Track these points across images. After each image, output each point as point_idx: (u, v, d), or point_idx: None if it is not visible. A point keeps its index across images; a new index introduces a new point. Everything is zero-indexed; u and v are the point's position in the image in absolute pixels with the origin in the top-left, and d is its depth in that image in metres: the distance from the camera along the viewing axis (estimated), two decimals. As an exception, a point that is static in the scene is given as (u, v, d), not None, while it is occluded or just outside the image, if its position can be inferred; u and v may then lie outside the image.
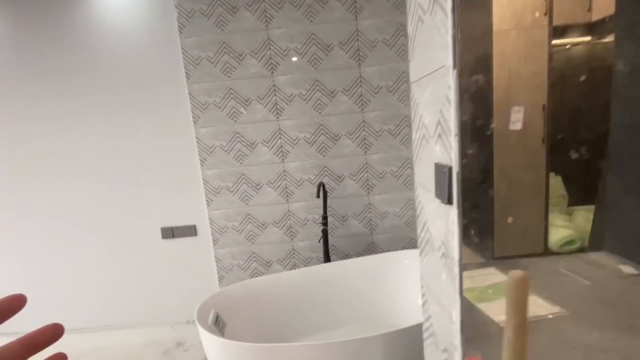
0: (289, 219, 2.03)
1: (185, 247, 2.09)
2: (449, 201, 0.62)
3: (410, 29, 0.78)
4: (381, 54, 1.85)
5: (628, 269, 0.72)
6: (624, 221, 0.69)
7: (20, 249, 2.11)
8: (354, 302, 1.72)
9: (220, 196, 2.00)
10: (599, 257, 0.76)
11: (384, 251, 2.04)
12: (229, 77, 1.87)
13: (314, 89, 1.89)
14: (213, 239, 2.05)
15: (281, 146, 1.95)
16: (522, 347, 0.46)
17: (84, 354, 1.94)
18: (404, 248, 2.05)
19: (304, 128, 1.93)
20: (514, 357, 0.46)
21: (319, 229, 2.03)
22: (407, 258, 1.74)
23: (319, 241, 1.84)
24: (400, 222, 2.03)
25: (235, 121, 1.92)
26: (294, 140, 1.94)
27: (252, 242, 2.05)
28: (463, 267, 0.62)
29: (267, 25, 1.83)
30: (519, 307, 0.45)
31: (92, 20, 1.85)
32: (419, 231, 0.86)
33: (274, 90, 1.89)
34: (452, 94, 0.57)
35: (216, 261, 2.07)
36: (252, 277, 2.09)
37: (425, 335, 0.90)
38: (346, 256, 2.06)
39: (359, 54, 1.85)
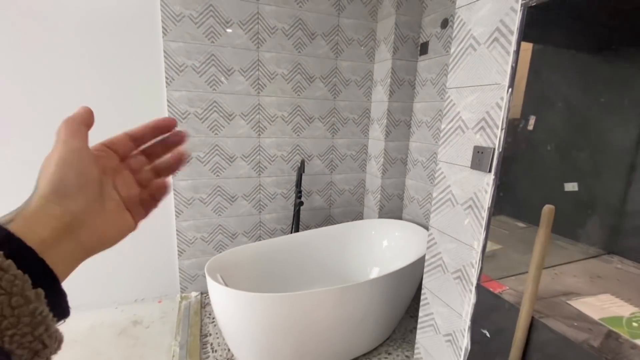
0: (259, 192, 2.12)
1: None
2: (489, 170, 0.97)
3: (454, 49, 1.10)
4: (354, 51, 2.13)
5: (521, 224, 1.25)
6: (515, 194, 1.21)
7: None
8: (325, 264, 1.99)
9: (190, 166, 1.91)
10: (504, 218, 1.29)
11: (338, 223, 2.37)
12: (212, 42, 1.80)
13: (295, 71, 2.02)
14: (176, 211, 1.94)
15: (259, 121, 2.01)
16: (544, 257, 0.85)
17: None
18: (353, 220, 2.43)
19: (282, 107, 2.04)
20: (540, 262, 0.85)
21: (286, 203, 2.19)
22: (370, 226, 2.12)
23: (296, 211, 2.01)
24: (352, 199, 2.40)
25: (214, 90, 1.87)
26: (272, 117, 2.03)
27: (220, 215, 2.05)
28: (490, 211, 0.99)
29: (257, 0, 1.84)
30: (547, 228, 0.84)
31: None
32: (436, 194, 1.21)
33: (258, 65, 1.93)
34: (504, 103, 0.92)
35: (177, 234, 1.97)
36: (216, 249, 2.09)
37: (429, 267, 1.27)
38: (307, 227, 2.30)
39: (337, 47, 2.08)
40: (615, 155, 1.17)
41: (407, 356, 1.65)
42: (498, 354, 1.00)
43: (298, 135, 2.12)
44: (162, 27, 1.70)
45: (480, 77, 1.00)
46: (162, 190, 0.36)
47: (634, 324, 0.84)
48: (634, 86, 1.08)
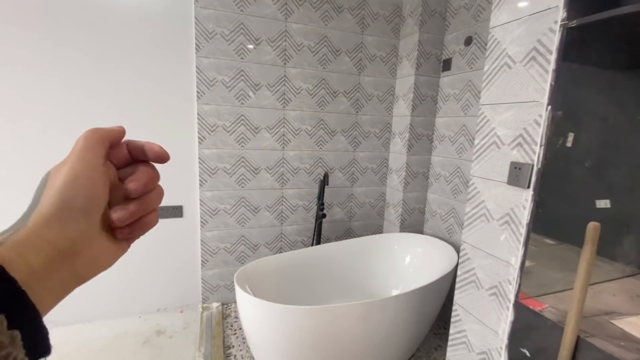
0: (282, 204, 2.14)
1: (168, 229, 1.94)
2: (528, 186, 0.98)
3: (487, 67, 1.12)
4: (377, 68, 2.18)
5: (549, 241, 1.24)
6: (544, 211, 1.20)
7: None
8: (347, 277, 1.99)
9: (216, 177, 1.95)
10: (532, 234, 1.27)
11: (358, 236, 2.37)
12: (242, 58, 1.87)
13: (319, 86, 2.07)
14: (201, 221, 1.97)
15: (284, 134, 2.05)
16: (589, 275, 0.84)
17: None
18: (373, 233, 2.42)
19: (306, 121, 2.08)
20: (586, 281, 0.84)
21: (307, 215, 2.21)
22: (393, 240, 2.11)
23: (318, 223, 2.03)
24: (373, 212, 2.41)
25: (242, 104, 1.92)
26: (296, 131, 2.07)
27: (243, 226, 2.07)
28: (529, 227, 0.99)
29: (286, 18, 1.91)
30: (592, 246, 0.83)
31: (85, -43, 1.56)
32: (469, 209, 1.21)
33: (284, 80, 1.98)
34: (542, 120, 0.94)
35: (202, 244, 2.00)
36: (238, 260, 2.10)
37: (461, 282, 1.26)
38: (327, 240, 2.30)
39: (360, 63, 2.13)
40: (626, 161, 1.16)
41: (433, 374, 1.62)
42: (539, 374, 0.98)
43: (320, 148, 2.15)
44: (196, 43, 1.77)
45: (517, 94, 1.02)
46: (152, 223, 0.31)
47: (686, 347, 0.82)
48: (670, 104, 1.08)
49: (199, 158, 1.90)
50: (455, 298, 1.30)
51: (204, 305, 2.08)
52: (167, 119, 1.82)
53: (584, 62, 0.98)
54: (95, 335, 1.76)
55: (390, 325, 1.47)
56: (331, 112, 2.13)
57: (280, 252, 2.21)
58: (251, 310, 1.38)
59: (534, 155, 0.97)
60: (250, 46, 1.87)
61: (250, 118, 1.95)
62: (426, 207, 2.27)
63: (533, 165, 0.97)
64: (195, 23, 1.75)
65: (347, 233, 2.36)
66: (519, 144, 1.01)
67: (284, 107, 2.01)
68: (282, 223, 2.17)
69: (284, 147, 2.06)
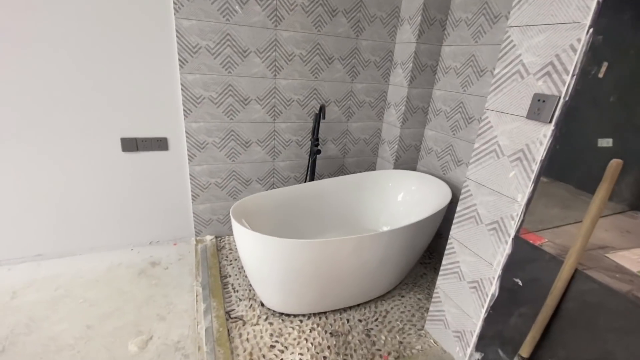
0: (274, 139, 2.03)
1: (152, 162, 1.82)
2: (550, 120, 0.91)
3: (523, -20, 0.96)
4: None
5: (543, 178, 1.23)
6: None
7: None
8: (342, 212, 2.00)
9: (201, 107, 1.78)
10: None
11: (351, 173, 2.34)
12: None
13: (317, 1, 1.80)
14: (189, 155, 1.86)
15: (275, 59, 1.84)
16: (601, 211, 0.83)
17: (34, 282, 1.59)
18: (366, 170, 2.40)
19: (300, 44, 1.86)
20: (596, 217, 0.83)
21: (300, 151, 2.13)
22: (387, 177, 2.09)
23: (312, 159, 1.96)
24: (367, 149, 2.34)
25: (228, 21, 1.67)
26: (289, 55, 1.86)
27: (233, 161, 1.98)
28: (543, 164, 0.96)
29: None
30: (610, 184, 0.81)
31: None
32: (478, 144, 1.16)
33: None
34: (580, 46, 0.83)
35: (191, 179, 1.91)
36: (230, 195, 2.05)
37: (460, 218, 1.27)
38: (320, 176, 2.26)
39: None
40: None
41: (418, 299, 1.75)
42: (528, 302, 1.04)
43: (316, 77, 1.97)
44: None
45: (555, 14, 0.89)
46: None
47: (674, 277, 0.86)
48: None
49: (182, 84, 1.70)
50: (452, 232, 1.32)
51: (197, 238, 2.08)
52: (148, 91, 1.58)
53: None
54: (88, 267, 1.76)
55: (383, 257, 1.52)
56: (329, 34, 1.90)
57: (273, 187, 2.16)
58: (249, 243, 1.37)
59: (562, 87, 0.88)
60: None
61: (237, 38, 1.71)
62: (422, 144, 2.22)
63: (560, 98, 0.89)
64: None
65: (340, 170, 2.32)
66: (547, 73, 0.92)
67: (276, 26, 1.77)
68: (274, 159, 2.08)
69: (275, 75, 1.87)
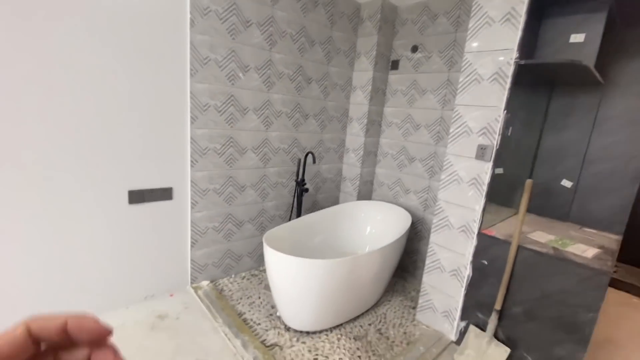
0: (264, 182, 2.29)
1: (156, 212, 1.84)
2: (490, 160, 1.56)
3: (462, 79, 1.64)
4: (340, 60, 2.51)
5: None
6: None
7: None
8: (333, 237, 2.35)
9: (206, 157, 1.95)
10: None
11: (322, 207, 2.73)
12: (233, 39, 1.89)
13: (298, 72, 2.26)
14: (192, 202, 1.95)
15: (267, 116, 2.18)
16: (525, 210, 1.48)
17: None
18: (332, 204, 2.83)
19: (286, 104, 2.26)
20: (524, 213, 1.48)
21: (285, 191, 2.44)
22: (358, 208, 2.57)
23: (297, 197, 2.28)
24: (332, 185, 2.80)
25: (233, 84, 1.96)
26: (278, 113, 2.23)
27: (230, 204, 2.14)
28: (489, 186, 1.59)
29: (273, 5, 2.01)
30: (527, 193, 1.47)
31: None
32: (444, 176, 1.75)
33: (270, 64, 2.10)
34: (500, 119, 1.52)
35: (191, 225, 1.98)
36: (225, 238, 2.17)
37: (436, 227, 1.82)
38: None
39: (330, 54, 2.42)
40: (533, 150, 1.96)
41: (401, 300, 2.20)
42: (492, 275, 1.62)
43: (297, 130, 2.37)
44: (190, 18, 1.71)
45: (483, 100, 1.57)
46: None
47: (560, 242, 1.57)
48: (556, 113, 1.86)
49: (191, 138, 1.85)
50: (432, 238, 1.86)
51: (193, 285, 2.08)
52: (159, 96, 1.71)
53: (522, 84, 1.60)
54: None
55: (378, 269, 1.93)
56: (306, 97, 2.36)
57: (262, 226, 2.37)
58: (284, 267, 1.61)
59: (494, 140, 1.55)
60: (243, 28, 1.91)
61: (239, 99, 2.00)
62: (374, 179, 2.81)
63: (493, 147, 1.56)
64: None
65: (314, 204, 2.69)
66: (484, 132, 1.58)
67: (269, 90, 2.14)
68: (263, 199, 2.32)
69: (267, 128, 2.20)
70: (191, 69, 1.77)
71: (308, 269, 1.61)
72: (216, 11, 1.79)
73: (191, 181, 1.92)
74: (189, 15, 1.70)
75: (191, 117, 1.83)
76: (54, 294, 1.60)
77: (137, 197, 1.75)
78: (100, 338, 0.26)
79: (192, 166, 1.90)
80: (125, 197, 1.71)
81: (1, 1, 1.25)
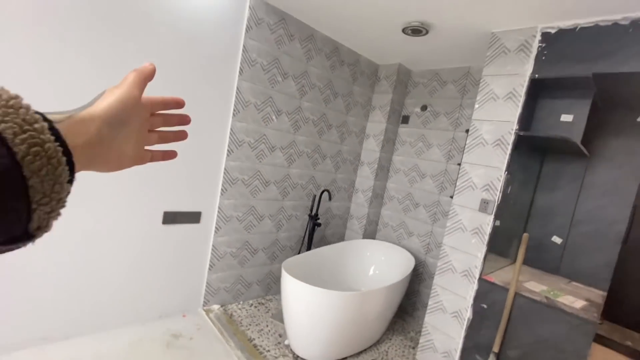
0: (280, 213, 2.46)
1: (183, 234, 1.98)
2: (491, 213, 1.78)
3: (469, 141, 1.90)
4: (357, 110, 2.81)
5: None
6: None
7: None
8: (340, 271, 2.48)
9: (235, 187, 2.14)
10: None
11: (331, 242, 2.88)
12: (272, 87, 2.17)
13: (321, 119, 2.54)
14: (216, 227, 2.10)
15: (291, 154, 2.41)
16: (522, 260, 1.67)
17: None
18: (337, 240, 2.99)
19: (308, 145, 2.50)
20: (520, 263, 1.67)
21: (298, 224, 2.60)
22: (364, 246, 2.73)
23: (308, 232, 2.44)
24: (340, 222, 2.98)
25: (266, 125, 2.20)
26: (300, 152, 2.46)
27: (248, 232, 2.29)
28: (490, 236, 1.79)
29: (308, 62, 2.33)
30: (524, 245, 1.67)
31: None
32: (449, 223, 1.95)
33: (299, 110, 2.37)
34: (501, 178, 1.76)
35: (212, 249, 2.11)
36: (239, 264, 2.29)
37: (440, 270, 1.98)
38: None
39: (349, 105, 2.72)
40: (527, 207, 2.19)
41: (401, 339, 2.30)
42: (490, 318, 1.77)
43: (315, 168, 2.60)
44: (240, 68, 1.98)
45: (487, 161, 1.83)
46: (172, 155, 0.43)
47: (551, 293, 1.74)
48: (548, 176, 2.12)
49: (225, 169, 2.05)
50: (435, 280, 2.02)
51: (205, 308, 2.16)
52: (204, 130, 1.93)
53: (520, 150, 1.86)
54: (105, 346, 1.66)
55: (384, 305, 2.06)
56: (325, 140, 2.62)
57: (274, 256, 2.50)
58: (301, 295, 1.74)
59: (495, 196, 1.78)
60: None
61: (269, 137, 2.24)
62: (379, 220, 3.00)
63: (495, 201, 1.78)
64: (243, 51, 1.97)
65: (322, 239, 2.84)
66: (487, 188, 1.82)
67: (295, 132, 2.39)
68: (278, 230, 2.48)
69: (289, 165, 2.42)
70: (234, 110, 2.01)
71: (325, 299, 1.74)
72: (261, 63, 2.08)
73: (219, 207, 2.08)
74: (239, 66, 1.98)
75: (228, 150, 2.04)
76: (77, 303, 1.69)
77: (170, 218, 1.90)
78: (178, 104, 0.44)
79: (221, 194, 2.08)
80: (160, 217, 1.86)
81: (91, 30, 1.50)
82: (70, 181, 0.26)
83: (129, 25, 1.57)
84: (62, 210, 0.26)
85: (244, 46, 1.97)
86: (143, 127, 0.37)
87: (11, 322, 1.51)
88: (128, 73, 0.34)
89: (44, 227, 0.25)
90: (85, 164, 0.29)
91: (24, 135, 0.22)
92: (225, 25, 1.89)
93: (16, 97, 0.23)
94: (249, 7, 1.95)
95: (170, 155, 0.42)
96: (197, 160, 1.95)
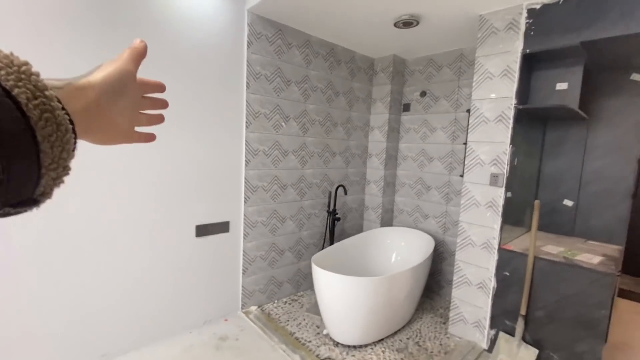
0: (301, 213, 2.58)
1: (215, 244, 2.12)
2: (502, 185, 1.88)
3: (472, 121, 2.00)
4: (360, 105, 2.92)
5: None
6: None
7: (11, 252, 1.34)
8: (367, 258, 2.60)
9: (256, 194, 2.26)
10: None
11: (350, 234, 3.00)
12: (277, 95, 2.29)
13: (326, 118, 2.65)
14: (244, 234, 2.23)
15: (303, 157, 2.53)
16: (537, 227, 1.77)
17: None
18: (356, 231, 3.10)
19: (318, 145, 2.62)
20: (536, 230, 1.77)
21: (317, 221, 2.72)
22: (384, 234, 2.84)
23: (330, 226, 2.56)
24: (357, 214, 3.09)
25: (277, 132, 2.32)
26: (311, 153, 2.58)
27: (274, 234, 2.42)
28: (504, 207, 1.89)
29: (307, 66, 2.44)
30: (537, 212, 1.77)
31: (170, 22, 1.73)
32: (463, 201, 2.06)
33: (305, 113, 2.48)
34: (507, 152, 1.85)
35: (243, 254, 2.25)
36: (269, 265, 2.42)
37: (460, 245, 2.08)
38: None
39: (351, 102, 2.83)
40: (535, 175, 2.28)
41: (431, 317, 2.41)
42: (514, 285, 1.87)
43: (327, 166, 2.71)
44: (246, 82, 2.10)
45: (491, 137, 1.92)
46: (152, 138, 0.43)
47: (569, 253, 1.83)
48: (551, 144, 2.21)
49: (245, 178, 2.18)
50: (457, 256, 2.12)
51: (244, 310, 2.30)
52: (221, 142, 2.06)
53: (522, 122, 1.95)
54: (161, 356, 1.81)
55: (411, 287, 2.17)
56: (333, 138, 2.73)
57: (299, 254, 2.63)
58: (334, 284, 1.86)
59: (504, 169, 1.88)
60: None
61: (282, 143, 2.36)
62: (394, 207, 3.11)
63: (504, 174, 1.88)
64: (247, 66, 2.09)
65: (342, 232, 2.96)
66: (495, 163, 1.91)
67: (304, 134, 2.50)
68: (300, 229, 2.60)
69: (303, 167, 2.53)
70: (246, 122, 2.14)
71: (356, 286, 1.86)
72: (265, 75, 2.19)
73: (244, 215, 2.21)
74: (245, 80, 2.10)
75: (245, 160, 2.17)
76: (127, 319, 1.83)
77: (202, 230, 2.03)
78: (161, 88, 0.43)
79: (245, 202, 2.20)
80: (193, 231, 2.00)
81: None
82: (74, 149, 0.27)
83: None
84: (65, 178, 0.27)
85: (247, 61, 2.09)
86: (136, 106, 0.39)
87: (70, 342, 1.66)
88: (125, 50, 0.36)
89: (47, 194, 0.26)
90: (81, 132, 0.29)
91: (36, 102, 0.23)
92: (229, 44, 2.01)
93: (26, 63, 0.24)
94: (247, 24, 2.06)
95: (151, 138, 0.44)
96: (220, 174, 2.08)
